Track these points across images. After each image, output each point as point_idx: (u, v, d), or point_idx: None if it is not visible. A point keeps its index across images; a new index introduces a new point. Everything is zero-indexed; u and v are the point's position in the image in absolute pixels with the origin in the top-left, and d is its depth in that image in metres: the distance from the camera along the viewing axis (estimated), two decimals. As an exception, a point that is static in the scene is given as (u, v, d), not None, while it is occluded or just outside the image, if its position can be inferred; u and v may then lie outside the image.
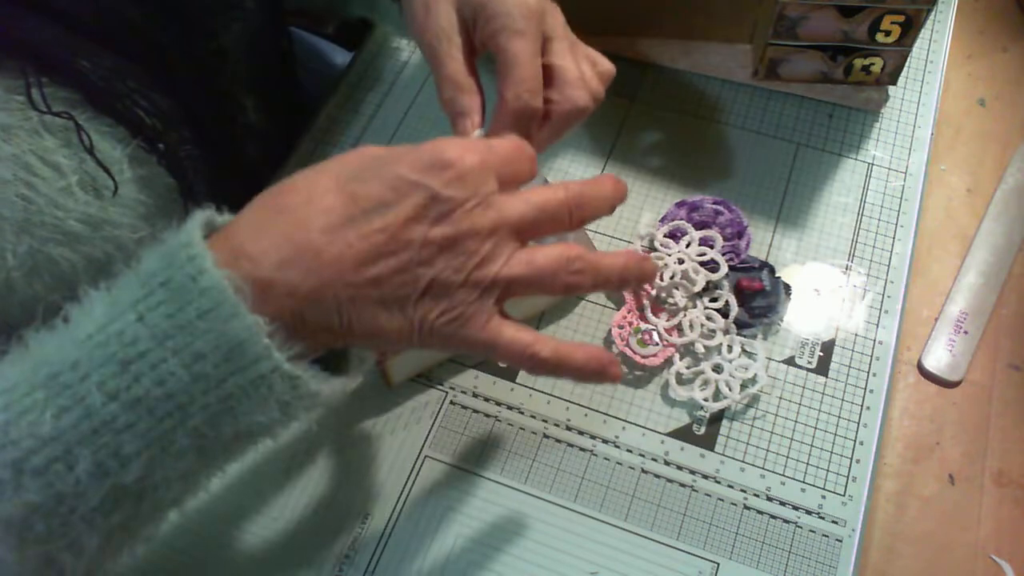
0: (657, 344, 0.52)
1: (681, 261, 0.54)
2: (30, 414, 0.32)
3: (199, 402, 0.32)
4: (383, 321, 0.35)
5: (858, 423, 0.50)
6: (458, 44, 0.44)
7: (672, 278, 0.53)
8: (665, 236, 0.55)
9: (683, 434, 0.50)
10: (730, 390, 0.50)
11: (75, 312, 0.34)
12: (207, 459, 0.35)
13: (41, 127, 0.42)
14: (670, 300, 0.53)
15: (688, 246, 0.55)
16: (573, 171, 0.60)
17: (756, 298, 0.54)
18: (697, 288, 0.53)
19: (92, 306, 0.33)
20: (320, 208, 0.34)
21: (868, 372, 0.52)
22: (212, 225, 0.35)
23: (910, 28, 0.55)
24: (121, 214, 0.46)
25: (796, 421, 0.51)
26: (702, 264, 0.54)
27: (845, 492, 0.48)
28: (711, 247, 0.54)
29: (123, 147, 0.45)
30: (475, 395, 0.52)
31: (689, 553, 0.47)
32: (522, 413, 0.51)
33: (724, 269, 0.54)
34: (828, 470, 0.49)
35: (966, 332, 0.55)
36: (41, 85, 0.41)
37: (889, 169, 0.60)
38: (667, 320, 0.52)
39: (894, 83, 0.61)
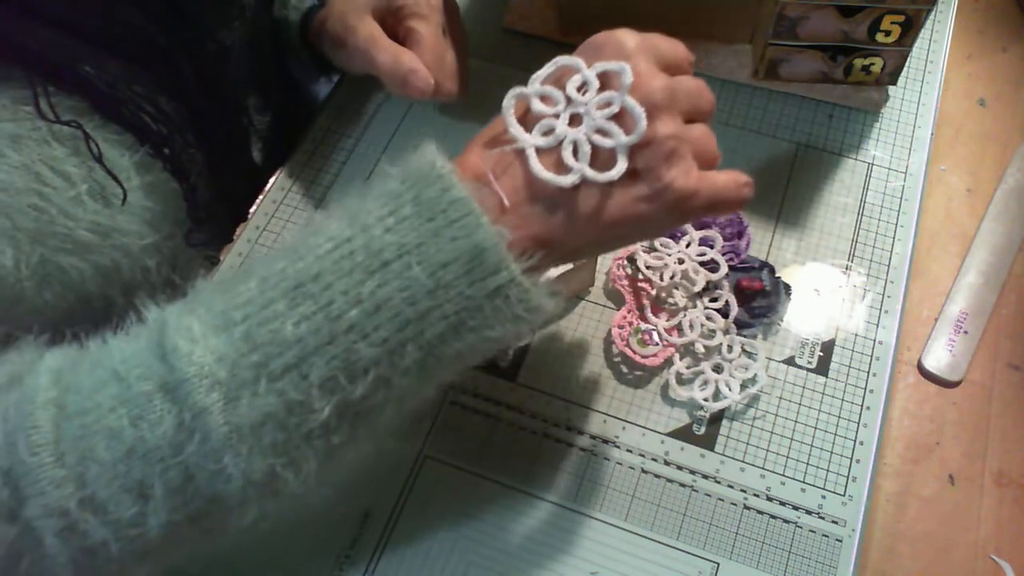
0: (657, 344, 0.52)
1: (681, 261, 0.54)
2: (272, 323, 0.33)
3: (437, 312, 0.34)
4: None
5: (858, 423, 0.50)
6: (384, 37, 0.54)
7: (672, 278, 0.53)
8: (665, 236, 0.55)
9: (683, 434, 0.50)
10: (730, 390, 0.50)
11: (301, 235, 0.36)
12: (424, 379, 0.36)
13: (50, 136, 0.42)
14: (670, 300, 0.53)
15: (688, 246, 0.55)
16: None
17: (756, 298, 0.54)
18: (697, 288, 0.53)
19: (323, 228, 0.35)
20: None
21: (868, 372, 0.52)
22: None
23: (910, 28, 0.55)
24: (129, 221, 0.46)
25: (796, 421, 0.51)
26: (702, 264, 0.54)
27: (845, 492, 0.48)
28: (711, 247, 0.54)
29: (131, 155, 0.46)
30: (475, 395, 0.52)
31: (689, 553, 0.47)
32: (522, 413, 0.51)
33: (724, 269, 0.54)
34: (828, 470, 0.49)
35: (966, 332, 0.55)
36: (48, 94, 0.41)
37: (889, 169, 0.60)
38: (667, 320, 0.52)
39: (894, 83, 0.61)
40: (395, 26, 0.56)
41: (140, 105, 0.45)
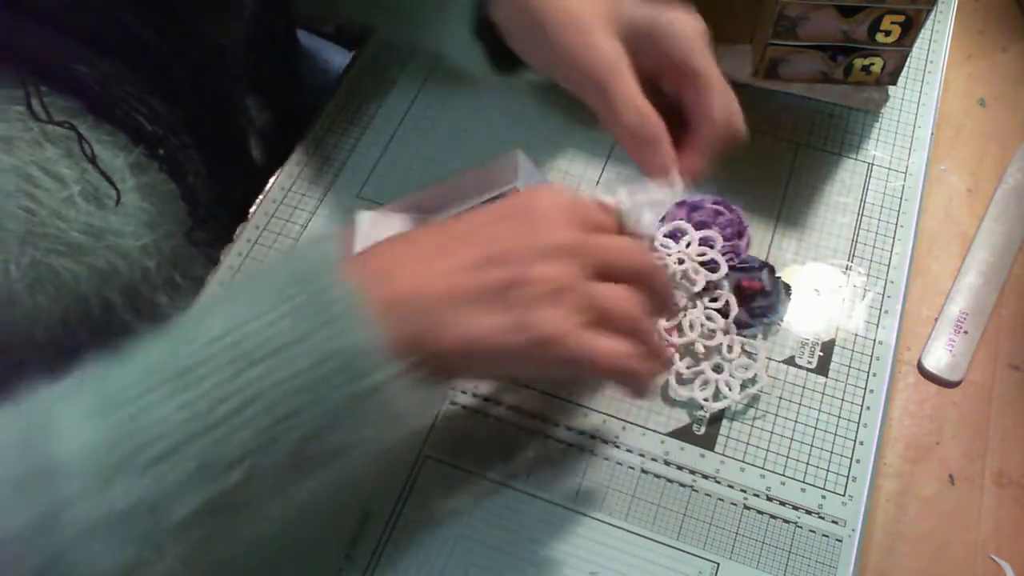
0: (657, 344, 0.52)
1: (681, 261, 0.54)
2: (147, 412, 0.33)
3: (311, 410, 0.34)
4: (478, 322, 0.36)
5: (858, 423, 0.50)
6: (630, 72, 0.45)
7: (672, 278, 0.53)
8: (665, 236, 0.55)
9: (683, 434, 0.50)
10: (730, 390, 0.50)
11: (192, 318, 0.36)
12: (297, 477, 0.35)
13: (42, 137, 0.42)
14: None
15: (688, 246, 0.55)
16: (573, 171, 0.60)
17: (756, 298, 0.54)
18: (697, 288, 0.53)
19: (214, 312, 0.36)
20: (450, 251, 0.37)
21: (868, 372, 0.52)
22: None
23: (910, 28, 0.55)
24: (123, 223, 0.46)
25: (796, 421, 0.51)
26: (702, 264, 0.54)
27: (845, 492, 0.48)
28: (711, 247, 0.54)
29: (125, 155, 0.45)
30: (475, 395, 0.52)
31: (689, 553, 0.47)
32: (522, 413, 0.51)
33: (724, 269, 0.54)
34: (828, 470, 0.49)
35: (966, 332, 0.55)
36: (41, 94, 0.41)
37: (889, 169, 0.60)
38: (667, 320, 0.52)
39: (894, 83, 0.61)
40: (664, 64, 0.46)
41: (133, 105, 0.45)
